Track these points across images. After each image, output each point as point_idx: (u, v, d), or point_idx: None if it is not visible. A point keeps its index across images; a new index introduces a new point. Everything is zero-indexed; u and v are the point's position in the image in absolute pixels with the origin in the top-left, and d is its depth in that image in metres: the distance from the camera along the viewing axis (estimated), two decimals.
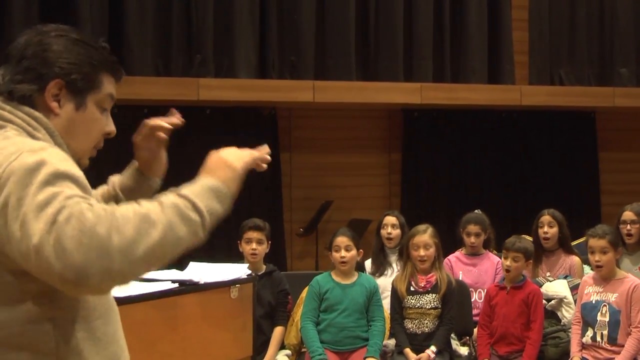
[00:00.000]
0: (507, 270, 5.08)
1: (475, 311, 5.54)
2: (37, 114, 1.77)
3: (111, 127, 1.90)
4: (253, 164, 1.90)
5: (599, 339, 4.84)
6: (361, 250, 5.16)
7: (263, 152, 1.96)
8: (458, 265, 5.84)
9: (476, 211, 6.06)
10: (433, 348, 4.98)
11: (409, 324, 5.10)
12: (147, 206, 1.59)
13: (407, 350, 5.02)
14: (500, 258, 5.63)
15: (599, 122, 8.95)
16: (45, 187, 1.54)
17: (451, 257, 5.89)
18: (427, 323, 5.08)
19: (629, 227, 5.66)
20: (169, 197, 1.64)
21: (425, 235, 5.14)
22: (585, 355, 4.88)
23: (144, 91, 6.91)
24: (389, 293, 5.23)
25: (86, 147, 1.86)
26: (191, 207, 1.63)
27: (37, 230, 1.49)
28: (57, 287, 1.52)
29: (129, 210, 1.56)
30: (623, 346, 4.75)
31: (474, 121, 8.49)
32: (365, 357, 4.89)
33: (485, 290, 5.50)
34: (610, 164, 8.96)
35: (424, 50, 8.12)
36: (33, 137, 1.73)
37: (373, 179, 8.47)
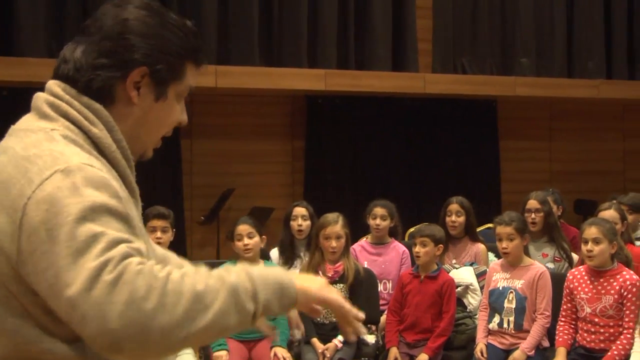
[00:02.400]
0: (417, 256, 5.08)
1: (381, 302, 5.53)
2: (96, 105, 1.61)
3: (184, 117, 1.76)
4: (336, 309, 1.70)
5: (505, 325, 4.90)
6: (264, 236, 5.08)
7: (355, 313, 1.73)
8: (363, 255, 5.82)
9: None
10: (340, 337, 4.95)
11: None
12: (204, 281, 1.45)
13: (314, 340, 4.98)
14: (407, 247, 5.68)
15: (500, 111, 9.12)
16: (83, 223, 1.41)
17: (356, 246, 5.84)
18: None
19: (533, 215, 5.75)
20: (234, 275, 1.50)
21: (337, 226, 5.10)
22: (491, 341, 4.93)
23: (35, 73, 6.63)
24: None
25: (156, 138, 1.74)
26: (251, 296, 1.50)
27: (73, 281, 1.38)
28: (87, 342, 1.43)
29: (184, 284, 1.43)
30: (528, 332, 4.84)
31: (378, 109, 8.52)
32: (272, 346, 4.84)
33: (391, 282, 5.52)
34: (511, 153, 9.15)
35: (329, 36, 8.09)
36: (88, 132, 1.58)
37: (276, 167, 8.41)
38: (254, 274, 1.53)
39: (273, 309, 1.54)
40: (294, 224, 5.67)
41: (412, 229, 6.46)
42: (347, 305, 1.72)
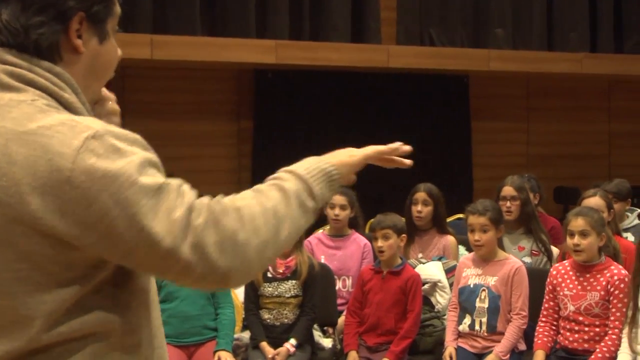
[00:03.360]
0: (381, 251, 5.11)
1: (339, 301, 5.58)
2: (57, 69, 1.69)
3: (120, 51, 1.85)
4: (376, 157, 2.03)
5: (477, 327, 4.96)
6: None
7: (395, 146, 2.05)
8: (320, 248, 5.86)
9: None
10: (293, 341, 4.99)
11: (265, 315, 5.09)
12: (272, 197, 1.71)
13: (264, 344, 5.00)
14: (368, 240, 5.71)
15: (472, 88, 9.20)
16: (145, 180, 1.59)
17: (311, 238, 5.90)
18: (286, 313, 5.07)
19: (508, 204, 5.82)
20: (291, 182, 1.76)
21: None
22: (461, 345, 4.99)
23: None
24: None
25: (104, 84, 1.86)
26: (309, 194, 1.77)
27: (167, 233, 1.58)
28: (186, 283, 1.67)
29: (254, 205, 1.68)
30: (502, 334, 4.89)
31: (336, 85, 8.54)
32: (215, 350, 4.86)
33: (351, 278, 5.55)
34: (484, 135, 9.24)
35: (280, 3, 8.06)
36: (60, 99, 1.67)
37: (220, 150, 8.39)
38: (300, 172, 1.79)
39: (327, 195, 1.83)
40: None
41: (373, 220, 6.50)
42: (382, 146, 2.05)
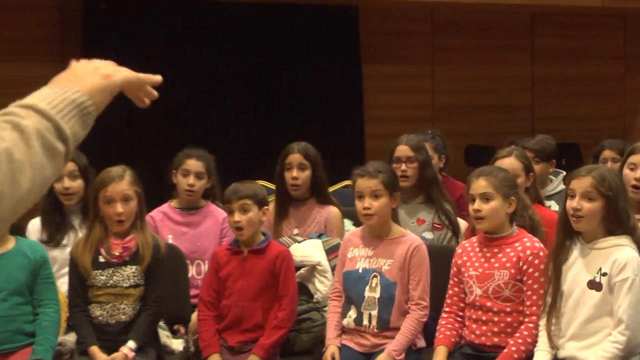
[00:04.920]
0: (238, 228, 5.11)
1: (193, 291, 5.59)
2: None
3: None
4: (137, 83, 2.02)
5: (365, 321, 4.98)
6: None
7: (156, 78, 2.07)
8: (166, 225, 5.87)
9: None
10: (131, 344, 4.95)
11: (97, 311, 5.05)
12: (5, 138, 1.68)
13: (94, 349, 4.95)
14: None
15: (362, 22, 9.25)
16: None
17: (154, 212, 5.88)
18: (123, 308, 5.04)
19: (403, 166, 5.88)
20: (30, 120, 1.73)
21: (123, 184, 5.08)
22: (346, 342, 5.03)
23: None
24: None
25: None
26: (56, 134, 1.75)
27: None
28: None
29: None
30: (397, 330, 4.92)
31: (194, 17, 8.49)
32: None
33: (207, 262, 5.54)
34: (378, 81, 9.32)
35: None
36: None
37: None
38: (42, 107, 1.75)
39: (80, 134, 1.82)
40: (58, 186, 5.61)
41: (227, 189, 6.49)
42: (141, 74, 2.05)
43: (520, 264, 4.73)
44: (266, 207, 5.20)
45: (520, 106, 10.03)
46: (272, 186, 6.25)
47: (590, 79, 10.49)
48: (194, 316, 5.39)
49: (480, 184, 4.81)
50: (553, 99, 10.10)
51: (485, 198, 4.77)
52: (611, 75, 10.65)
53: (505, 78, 9.92)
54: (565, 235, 4.61)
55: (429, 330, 5.05)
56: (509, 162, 5.57)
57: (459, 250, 4.99)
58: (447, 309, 4.94)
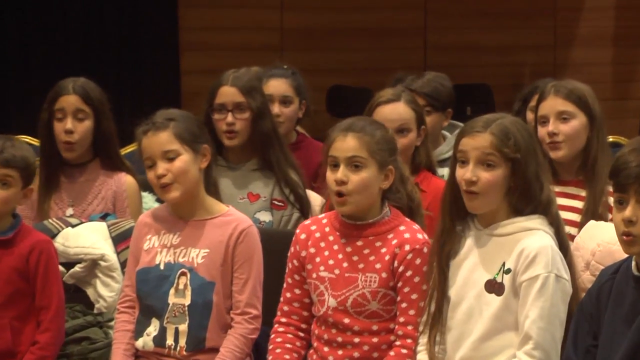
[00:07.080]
0: None
1: None
2: None
3: None
4: None
5: (170, 340, 4.96)
6: None
7: None
8: None
9: None
10: None
11: None
12: None
13: None
14: None
15: None
16: None
17: None
18: None
19: (230, 117, 5.84)
20: None
21: None
22: None
23: None
24: None
25: None
26: None
27: None
28: None
29: None
30: (216, 352, 4.89)
31: None
32: None
33: None
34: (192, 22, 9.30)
35: None
36: None
37: None
38: None
39: None
40: None
41: None
42: None
43: (395, 264, 4.63)
44: (30, 186, 5.18)
45: (408, 29, 10.04)
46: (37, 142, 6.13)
47: None
48: None
49: (348, 144, 4.66)
50: (453, 21, 10.15)
51: (354, 165, 4.63)
52: None
53: None
54: (454, 217, 4.54)
55: (261, 351, 5.04)
56: (395, 109, 5.60)
57: (302, 235, 4.89)
58: (282, 320, 4.90)
